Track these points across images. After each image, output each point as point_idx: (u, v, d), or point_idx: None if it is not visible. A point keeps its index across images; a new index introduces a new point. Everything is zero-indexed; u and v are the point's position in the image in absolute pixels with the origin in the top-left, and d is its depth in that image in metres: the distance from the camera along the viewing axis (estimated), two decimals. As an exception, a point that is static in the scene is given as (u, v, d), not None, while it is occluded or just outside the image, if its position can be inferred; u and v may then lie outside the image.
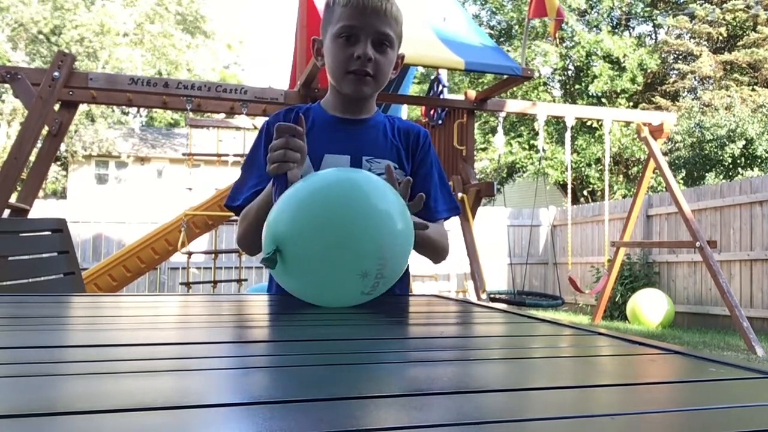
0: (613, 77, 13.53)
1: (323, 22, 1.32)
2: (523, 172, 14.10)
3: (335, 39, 1.26)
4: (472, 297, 7.16)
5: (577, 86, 14.63)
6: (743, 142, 9.71)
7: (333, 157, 1.28)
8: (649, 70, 13.98)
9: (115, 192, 18.91)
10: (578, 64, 14.26)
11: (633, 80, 13.62)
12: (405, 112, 6.72)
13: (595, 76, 13.60)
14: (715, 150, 10.00)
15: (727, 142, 9.81)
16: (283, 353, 0.61)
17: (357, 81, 1.27)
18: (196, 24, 19.04)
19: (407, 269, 1.41)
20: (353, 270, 0.88)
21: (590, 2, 15.05)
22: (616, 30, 15.30)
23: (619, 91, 13.70)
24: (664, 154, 10.06)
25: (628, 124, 12.50)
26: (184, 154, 7.08)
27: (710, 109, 11.85)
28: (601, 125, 12.40)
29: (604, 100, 14.28)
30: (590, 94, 14.04)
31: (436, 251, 1.34)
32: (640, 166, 11.96)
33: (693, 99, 13.37)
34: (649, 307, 6.94)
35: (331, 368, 0.52)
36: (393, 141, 1.36)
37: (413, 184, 1.35)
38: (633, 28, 16.53)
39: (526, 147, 13.97)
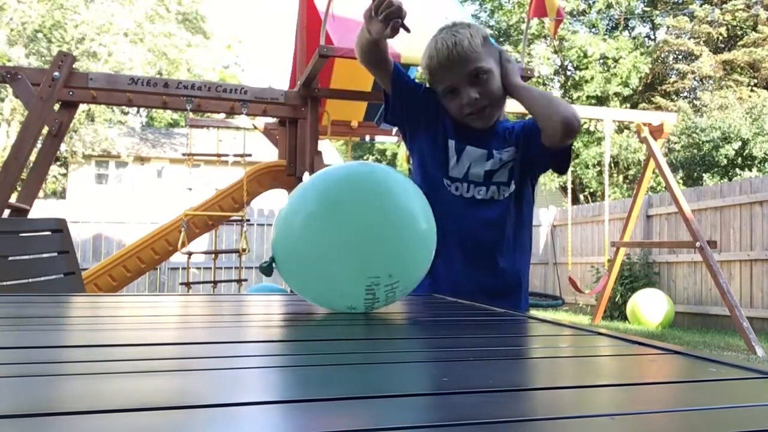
0: (608, 79, 13.54)
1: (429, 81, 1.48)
2: None
3: (443, 98, 1.43)
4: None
5: (572, 91, 14.64)
6: (738, 144, 9.70)
7: (472, 149, 1.42)
8: (643, 74, 13.97)
9: (115, 192, 18.90)
10: (576, 64, 14.27)
11: (626, 84, 13.62)
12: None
13: (590, 78, 13.60)
14: (711, 151, 10.00)
15: (722, 144, 9.81)
16: (283, 353, 0.61)
17: (478, 119, 1.42)
18: (196, 24, 19.03)
19: None
20: (344, 305, 0.91)
21: (588, 2, 15.05)
22: (614, 30, 15.28)
23: (611, 94, 13.71)
24: (663, 155, 10.08)
25: (621, 130, 12.51)
26: (184, 154, 7.08)
27: (707, 110, 11.86)
28: (597, 128, 12.44)
29: (599, 102, 14.30)
30: (587, 95, 14.06)
31: (556, 111, 1.35)
32: (638, 168, 11.97)
33: (692, 99, 13.36)
34: (649, 307, 6.94)
35: (331, 368, 0.52)
36: (511, 134, 1.47)
37: (527, 147, 1.43)
38: (632, 29, 16.53)
39: None
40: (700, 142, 10.20)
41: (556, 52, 14.60)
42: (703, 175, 10.19)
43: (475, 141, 1.43)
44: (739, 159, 9.87)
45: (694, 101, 13.41)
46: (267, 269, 0.94)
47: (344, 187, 0.91)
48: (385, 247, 0.87)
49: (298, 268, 0.91)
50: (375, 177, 0.93)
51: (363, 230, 0.87)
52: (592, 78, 13.42)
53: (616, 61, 13.51)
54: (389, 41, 1.36)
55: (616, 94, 13.75)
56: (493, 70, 1.40)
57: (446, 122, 1.44)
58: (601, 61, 13.65)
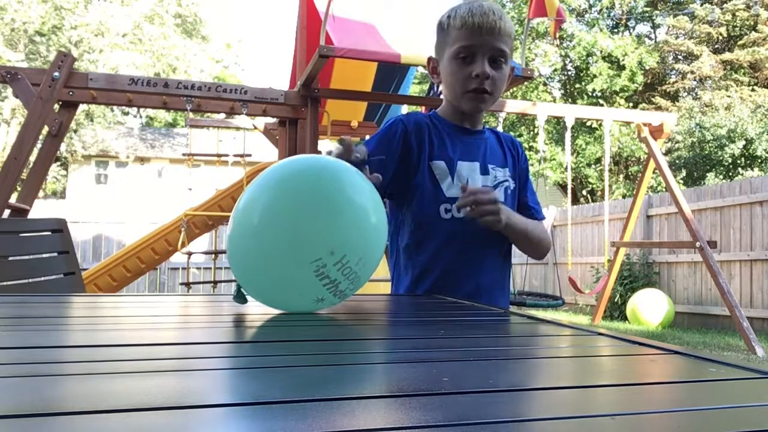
0: (612, 76, 13.54)
1: (438, 43, 1.38)
2: None
3: (453, 59, 1.32)
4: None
5: (576, 85, 14.63)
6: (743, 143, 9.71)
7: (466, 164, 1.36)
8: (649, 69, 13.98)
9: (115, 192, 18.90)
10: (578, 63, 14.27)
11: (632, 79, 13.62)
12: (405, 112, 6.72)
13: (594, 76, 13.60)
14: (715, 150, 10.01)
15: (726, 143, 9.82)
16: (283, 353, 0.61)
17: (476, 98, 1.33)
18: (195, 26, 19.02)
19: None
20: (309, 299, 0.86)
21: (589, 1, 15.05)
22: (616, 29, 15.29)
23: (618, 90, 13.71)
24: (664, 154, 10.07)
25: (628, 123, 12.52)
26: (184, 154, 7.08)
27: (710, 109, 11.86)
28: (600, 125, 12.46)
29: (602, 101, 14.30)
30: (589, 93, 14.05)
31: (538, 247, 1.44)
32: (640, 166, 11.97)
33: (693, 99, 13.37)
34: (649, 307, 6.94)
35: (331, 368, 0.51)
36: (505, 151, 1.45)
37: (518, 190, 1.43)
38: (633, 28, 16.54)
39: (525, 148, 14.00)
40: (704, 141, 10.21)
41: (558, 47, 14.60)
42: (707, 174, 10.20)
43: (463, 152, 1.37)
44: (742, 159, 9.88)
45: (695, 101, 13.40)
46: (239, 296, 0.94)
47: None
48: (318, 225, 0.82)
49: (254, 277, 0.87)
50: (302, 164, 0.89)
51: (295, 214, 0.82)
52: (600, 73, 13.40)
53: (624, 56, 13.49)
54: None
55: (623, 90, 13.73)
56: (507, 68, 1.35)
57: (425, 144, 1.34)
58: (606, 58, 13.64)
